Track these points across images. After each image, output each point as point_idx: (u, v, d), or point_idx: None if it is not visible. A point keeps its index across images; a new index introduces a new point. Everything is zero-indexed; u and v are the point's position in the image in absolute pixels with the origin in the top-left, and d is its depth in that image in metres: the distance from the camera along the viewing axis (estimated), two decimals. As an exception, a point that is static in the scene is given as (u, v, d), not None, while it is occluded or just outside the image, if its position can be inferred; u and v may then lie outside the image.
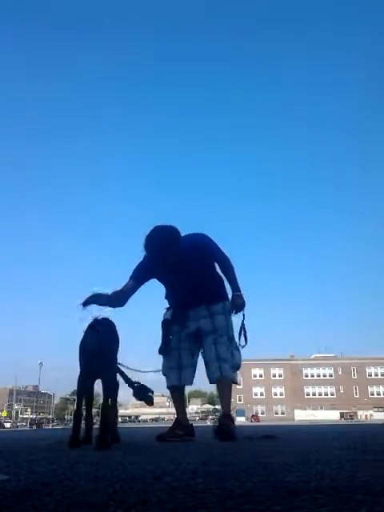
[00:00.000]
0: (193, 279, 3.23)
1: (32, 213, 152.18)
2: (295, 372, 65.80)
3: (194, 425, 3.33)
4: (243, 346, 3.30)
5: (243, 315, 3.31)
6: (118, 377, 2.84)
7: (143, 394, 2.87)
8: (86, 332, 2.61)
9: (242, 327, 3.33)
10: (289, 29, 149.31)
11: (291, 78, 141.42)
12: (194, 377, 3.30)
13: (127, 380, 2.83)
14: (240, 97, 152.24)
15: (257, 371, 64.33)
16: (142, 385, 2.88)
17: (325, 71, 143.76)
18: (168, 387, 3.29)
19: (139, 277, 3.21)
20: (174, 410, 3.39)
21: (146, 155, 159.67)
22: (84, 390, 2.59)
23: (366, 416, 56.67)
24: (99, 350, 2.52)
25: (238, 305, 3.27)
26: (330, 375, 65.84)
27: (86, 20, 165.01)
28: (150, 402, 2.90)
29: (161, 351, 3.27)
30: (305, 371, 66.29)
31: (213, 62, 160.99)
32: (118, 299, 3.10)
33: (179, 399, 3.33)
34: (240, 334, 3.31)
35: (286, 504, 0.82)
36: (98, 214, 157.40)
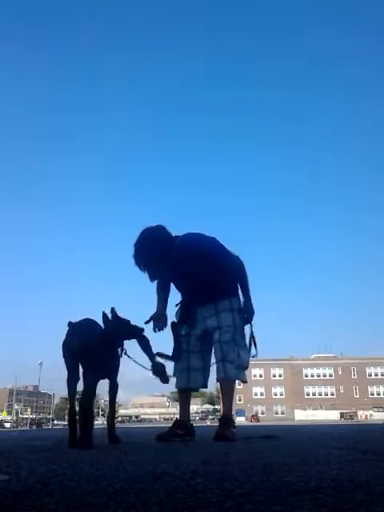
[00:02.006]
0: (199, 279, 3.19)
1: (31, 211, 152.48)
2: (295, 372, 65.77)
3: (193, 425, 3.33)
4: (254, 356, 3.24)
5: (251, 325, 3.25)
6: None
7: (161, 373, 2.95)
8: (66, 334, 2.63)
9: (251, 337, 3.25)
10: (289, 28, 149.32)
11: (291, 78, 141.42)
12: (206, 379, 3.26)
13: (149, 353, 2.81)
14: (240, 96, 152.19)
15: (257, 371, 64.24)
16: (163, 365, 2.97)
17: (325, 71, 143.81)
18: (176, 388, 3.28)
19: (164, 285, 3.35)
20: (173, 410, 3.40)
21: (145, 154, 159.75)
22: (74, 390, 2.60)
23: (366, 416, 56.58)
24: (81, 349, 2.52)
25: (246, 314, 3.22)
26: (330, 375, 65.79)
27: (85, 18, 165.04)
28: (165, 380, 3.00)
29: (173, 357, 3.22)
30: (305, 371, 66.25)
31: (213, 62, 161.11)
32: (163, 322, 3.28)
33: (184, 401, 3.31)
34: (250, 344, 3.24)
35: (285, 504, 0.82)
36: (97, 213, 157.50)
